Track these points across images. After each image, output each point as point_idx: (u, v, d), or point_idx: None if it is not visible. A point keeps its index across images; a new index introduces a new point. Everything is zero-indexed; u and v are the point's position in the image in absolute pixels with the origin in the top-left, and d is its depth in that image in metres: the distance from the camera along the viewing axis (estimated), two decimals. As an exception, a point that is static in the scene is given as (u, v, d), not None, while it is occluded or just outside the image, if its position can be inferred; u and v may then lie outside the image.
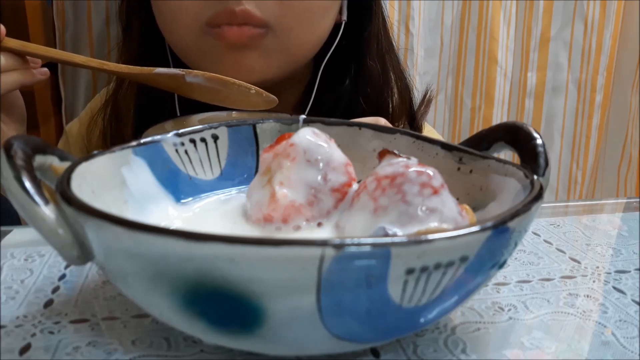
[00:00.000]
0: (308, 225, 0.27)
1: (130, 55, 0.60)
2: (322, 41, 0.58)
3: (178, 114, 0.56)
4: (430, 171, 0.25)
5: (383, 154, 0.27)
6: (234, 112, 0.52)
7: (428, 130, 0.68)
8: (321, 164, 0.28)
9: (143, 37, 0.58)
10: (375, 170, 0.26)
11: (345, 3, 0.58)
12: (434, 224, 0.23)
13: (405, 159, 0.26)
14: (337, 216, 0.27)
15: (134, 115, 0.59)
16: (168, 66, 0.55)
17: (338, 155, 0.28)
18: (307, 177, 0.28)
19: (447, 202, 0.24)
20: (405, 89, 0.63)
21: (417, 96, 0.65)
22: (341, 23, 0.58)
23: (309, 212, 0.27)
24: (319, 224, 0.27)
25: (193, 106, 0.52)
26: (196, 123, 0.50)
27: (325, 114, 0.59)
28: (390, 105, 0.62)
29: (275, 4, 0.50)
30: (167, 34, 0.55)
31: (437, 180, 0.25)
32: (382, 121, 0.41)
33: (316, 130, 0.29)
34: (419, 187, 0.24)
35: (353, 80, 0.60)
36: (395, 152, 0.27)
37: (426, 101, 0.64)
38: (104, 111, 0.61)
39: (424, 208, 0.24)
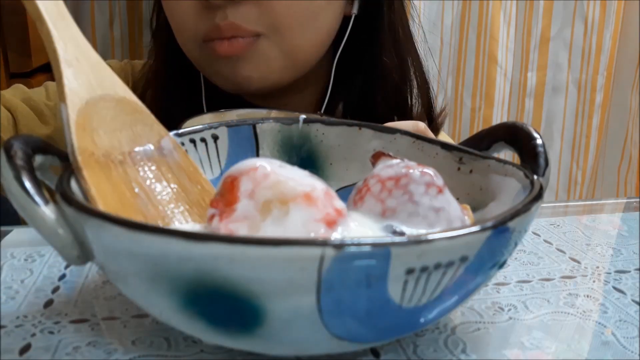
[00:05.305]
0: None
1: (158, 57, 0.61)
2: (328, 39, 0.56)
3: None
4: (431, 171, 0.25)
5: (377, 156, 0.27)
6: (273, 111, 0.51)
7: (443, 137, 0.67)
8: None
9: (171, 43, 0.58)
10: (376, 172, 0.26)
11: None
12: (442, 223, 0.24)
13: (400, 160, 0.26)
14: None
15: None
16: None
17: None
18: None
19: (451, 201, 0.24)
20: (424, 85, 0.62)
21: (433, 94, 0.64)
22: (353, 16, 0.57)
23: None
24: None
25: (221, 106, 0.52)
26: (234, 118, 0.50)
27: (343, 110, 0.57)
28: (409, 100, 0.61)
29: (260, 14, 0.50)
30: (180, 44, 0.56)
31: (439, 179, 0.25)
32: (421, 125, 0.40)
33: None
34: (425, 186, 0.24)
35: (366, 74, 0.59)
36: (390, 154, 0.27)
37: (443, 114, 0.64)
38: None
39: (432, 207, 0.24)
